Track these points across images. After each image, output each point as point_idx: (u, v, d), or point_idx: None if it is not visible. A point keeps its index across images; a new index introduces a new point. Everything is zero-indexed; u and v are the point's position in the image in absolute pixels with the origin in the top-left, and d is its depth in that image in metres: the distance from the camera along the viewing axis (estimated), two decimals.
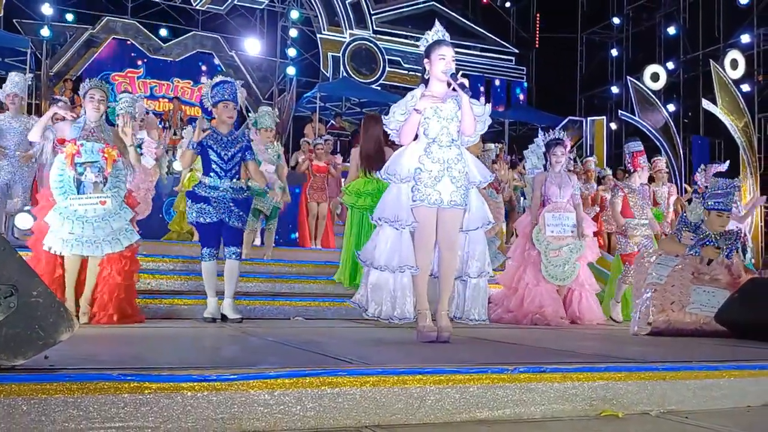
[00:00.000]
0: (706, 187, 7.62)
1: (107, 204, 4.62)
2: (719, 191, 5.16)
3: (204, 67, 16.92)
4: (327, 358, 2.86)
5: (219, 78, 5.17)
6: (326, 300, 5.94)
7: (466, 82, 3.71)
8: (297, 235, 9.61)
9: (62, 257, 4.61)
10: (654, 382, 2.73)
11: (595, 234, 8.90)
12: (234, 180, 5.00)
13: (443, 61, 3.70)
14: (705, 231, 5.10)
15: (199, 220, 4.93)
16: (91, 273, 4.70)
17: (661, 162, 8.98)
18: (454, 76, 3.66)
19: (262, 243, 8.14)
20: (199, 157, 5.07)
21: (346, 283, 5.89)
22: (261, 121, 7.26)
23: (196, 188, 5.00)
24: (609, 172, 11.25)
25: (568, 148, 6.44)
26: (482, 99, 3.84)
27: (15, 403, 1.91)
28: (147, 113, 7.39)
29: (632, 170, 7.01)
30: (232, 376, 2.15)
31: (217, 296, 5.02)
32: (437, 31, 3.82)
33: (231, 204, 4.94)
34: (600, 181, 10.52)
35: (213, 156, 4.95)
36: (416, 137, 3.80)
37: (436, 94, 3.74)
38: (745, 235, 8.34)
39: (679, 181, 13.82)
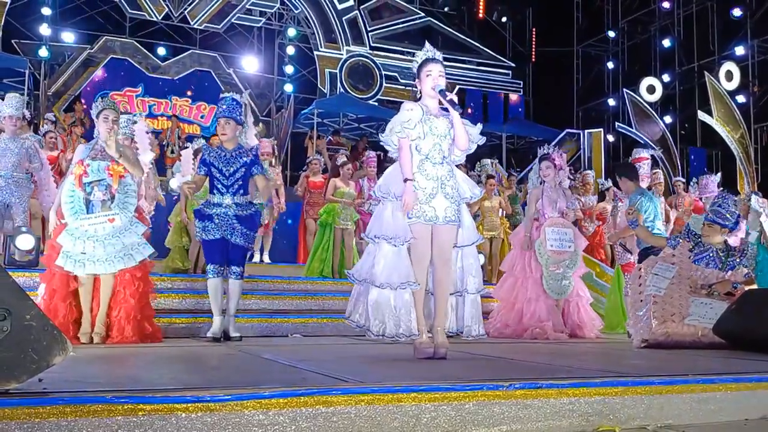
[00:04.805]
0: (700, 198, 7.64)
1: (116, 221, 4.67)
2: (713, 203, 5.28)
3: (197, 83, 17.02)
4: (322, 376, 2.85)
5: (224, 94, 5.22)
6: (324, 317, 5.94)
7: (455, 98, 3.73)
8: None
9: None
10: (651, 396, 2.72)
11: (593, 247, 8.92)
12: (237, 196, 4.93)
13: (430, 78, 3.77)
14: (705, 243, 5.13)
15: (203, 237, 4.93)
16: (104, 293, 4.72)
17: (659, 174, 8.99)
18: (443, 92, 3.70)
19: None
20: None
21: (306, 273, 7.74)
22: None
23: (202, 206, 4.99)
24: (610, 183, 11.24)
25: (558, 162, 6.44)
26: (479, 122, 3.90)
27: (8, 427, 1.90)
28: (148, 133, 7.34)
29: None
30: (226, 397, 2.14)
31: (223, 315, 4.97)
32: (426, 51, 3.87)
33: (234, 221, 4.88)
34: (603, 194, 10.49)
35: (215, 172, 4.94)
36: None
37: (430, 110, 3.78)
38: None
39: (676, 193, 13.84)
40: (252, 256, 7.68)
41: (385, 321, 3.63)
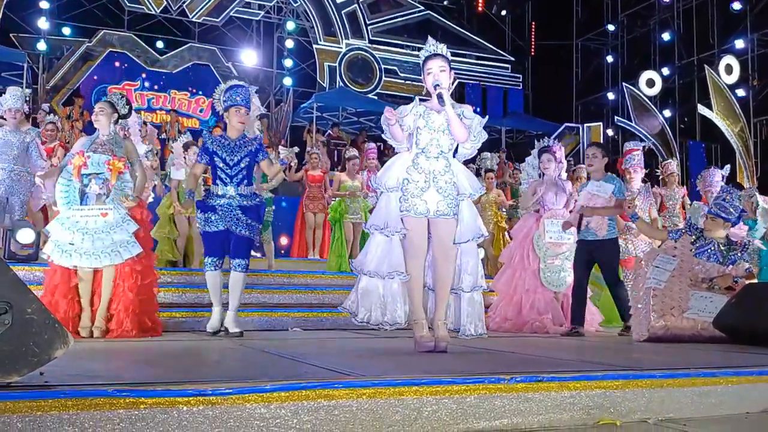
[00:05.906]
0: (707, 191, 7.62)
1: (108, 216, 4.63)
2: (717, 197, 5.26)
3: (196, 77, 17.01)
4: (324, 370, 2.85)
5: (232, 82, 5.07)
6: (324, 311, 5.93)
7: (444, 92, 3.71)
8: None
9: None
10: (652, 390, 2.72)
11: None
12: (242, 186, 4.80)
13: (430, 76, 3.80)
14: (706, 237, 5.12)
15: (205, 229, 4.82)
16: (106, 286, 4.68)
17: (672, 165, 8.93)
18: (436, 86, 3.73)
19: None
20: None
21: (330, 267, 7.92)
22: None
23: (205, 197, 4.87)
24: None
25: (558, 155, 6.44)
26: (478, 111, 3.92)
27: (10, 420, 1.90)
28: (144, 124, 7.34)
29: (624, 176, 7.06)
30: (227, 390, 2.14)
31: (223, 307, 4.89)
32: (427, 48, 3.87)
33: (238, 211, 4.76)
34: None
35: (218, 162, 4.80)
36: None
37: (434, 106, 3.79)
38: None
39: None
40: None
41: (371, 309, 3.67)
